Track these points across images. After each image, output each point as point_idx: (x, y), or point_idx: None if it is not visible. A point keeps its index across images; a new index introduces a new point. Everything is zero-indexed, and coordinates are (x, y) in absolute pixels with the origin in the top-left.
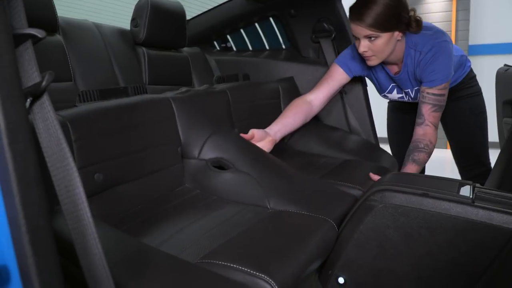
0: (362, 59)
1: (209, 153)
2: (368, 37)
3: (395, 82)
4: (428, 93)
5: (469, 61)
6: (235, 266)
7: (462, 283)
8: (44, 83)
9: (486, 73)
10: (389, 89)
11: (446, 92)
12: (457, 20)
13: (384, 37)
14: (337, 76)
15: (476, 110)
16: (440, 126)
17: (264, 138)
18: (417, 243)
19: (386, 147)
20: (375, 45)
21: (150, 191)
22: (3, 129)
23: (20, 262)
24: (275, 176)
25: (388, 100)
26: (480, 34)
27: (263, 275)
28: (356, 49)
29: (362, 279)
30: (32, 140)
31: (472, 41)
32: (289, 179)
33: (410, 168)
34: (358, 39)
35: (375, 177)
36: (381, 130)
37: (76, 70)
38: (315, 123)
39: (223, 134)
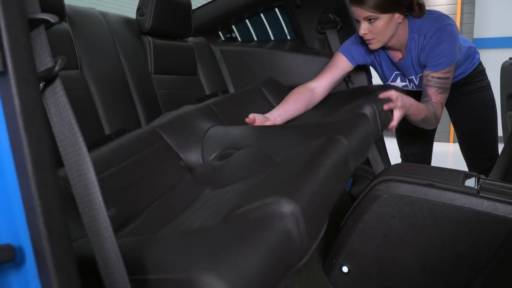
0: (365, 47)
1: (211, 153)
2: (368, 19)
3: (398, 70)
4: (433, 77)
5: (478, 53)
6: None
7: (466, 273)
8: (57, 68)
9: (490, 66)
10: (392, 77)
11: (451, 75)
12: (462, 13)
13: (384, 19)
14: (340, 65)
15: (487, 104)
16: (443, 119)
17: (264, 123)
18: (422, 233)
19: (388, 140)
20: (375, 27)
21: (169, 211)
22: (18, 112)
23: (35, 243)
24: (279, 131)
25: None
26: (485, 28)
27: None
28: (359, 38)
29: (366, 268)
30: (47, 124)
31: (476, 35)
32: (294, 130)
33: (419, 104)
34: (359, 22)
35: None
36: None
37: (83, 58)
38: (316, 112)
39: (215, 131)
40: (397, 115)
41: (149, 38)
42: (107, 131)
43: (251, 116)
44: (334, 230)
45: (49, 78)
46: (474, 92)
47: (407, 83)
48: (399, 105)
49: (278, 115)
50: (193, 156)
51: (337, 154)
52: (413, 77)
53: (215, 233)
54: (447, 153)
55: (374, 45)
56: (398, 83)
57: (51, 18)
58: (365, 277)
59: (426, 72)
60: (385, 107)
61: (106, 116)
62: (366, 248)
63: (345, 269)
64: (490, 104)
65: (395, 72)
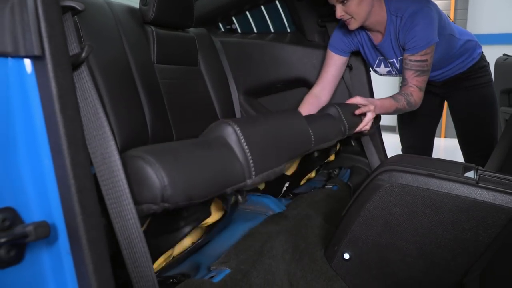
0: (347, 34)
1: None
2: (341, 2)
3: (382, 55)
4: (410, 60)
5: (480, 47)
6: None
7: (464, 259)
8: (84, 54)
9: None
10: (376, 62)
11: (428, 57)
12: (455, 9)
13: None
14: (333, 61)
15: (487, 101)
16: (446, 115)
17: None
18: (422, 221)
19: (387, 136)
20: (349, 7)
21: None
22: (55, 95)
23: (68, 220)
24: None
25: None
26: (478, 24)
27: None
28: (341, 27)
29: (366, 255)
30: (78, 107)
31: (470, 31)
32: None
33: (387, 100)
34: (334, 6)
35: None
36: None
37: (91, 53)
38: None
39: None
40: (368, 117)
41: (152, 27)
42: (112, 119)
43: None
44: (336, 218)
45: (75, 64)
46: (473, 89)
47: (390, 68)
48: (371, 108)
49: None
50: None
51: (291, 115)
52: (394, 60)
53: (169, 143)
54: (438, 148)
55: (352, 25)
56: (383, 69)
57: (78, 5)
58: (366, 264)
59: (404, 55)
60: (357, 112)
61: (111, 104)
62: (367, 236)
63: (346, 256)
64: (490, 101)
65: (379, 58)
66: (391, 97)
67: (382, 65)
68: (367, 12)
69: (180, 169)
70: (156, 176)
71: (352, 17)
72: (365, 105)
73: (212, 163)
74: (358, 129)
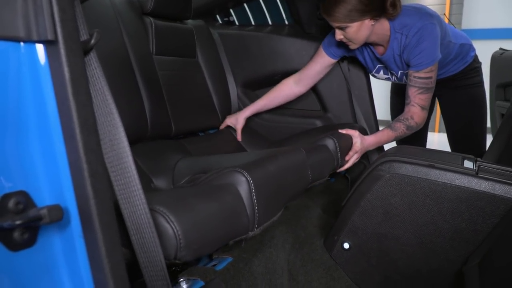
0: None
1: (181, 179)
2: (340, 28)
3: (381, 63)
4: (414, 76)
5: (473, 50)
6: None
7: (463, 248)
8: (93, 41)
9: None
10: (376, 69)
11: (433, 74)
12: (451, 4)
13: (354, 26)
14: (321, 60)
15: (475, 102)
16: (439, 110)
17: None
18: (421, 210)
19: None
20: (348, 33)
21: None
22: (67, 80)
23: (81, 204)
24: (247, 154)
25: (391, 82)
26: (473, 19)
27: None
28: None
29: (366, 244)
30: (89, 92)
31: (465, 26)
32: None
33: (384, 132)
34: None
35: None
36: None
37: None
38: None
39: (186, 160)
40: (353, 159)
41: (151, 19)
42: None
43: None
44: (334, 209)
45: (85, 50)
46: (463, 89)
47: (390, 76)
48: (357, 152)
49: (248, 109)
50: (163, 182)
51: (295, 156)
52: (394, 72)
53: (182, 190)
54: (432, 143)
55: (352, 46)
56: (382, 75)
57: None
58: (366, 253)
59: (409, 72)
60: (346, 158)
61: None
62: (367, 226)
63: (346, 245)
64: (479, 102)
65: (378, 65)
66: (389, 126)
67: (382, 72)
68: (366, 36)
69: (195, 228)
70: (174, 236)
71: (351, 41)
72: (354, 145)
73: (224, 219)
74: (343, 168)
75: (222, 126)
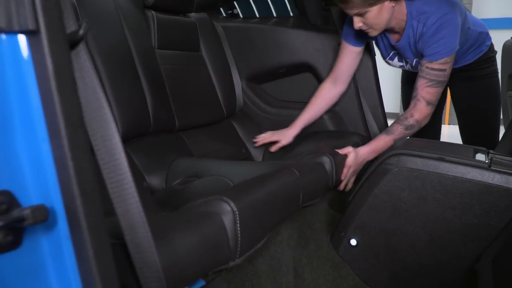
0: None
1: (175, 179)
2: (358, 14)
3: (396, 50)
4: (427, 67)
5: (489, 39)
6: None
7: (475, 245)
8: (81, 32)
9: None
10: (390, 56)
11: (448, 66)
12: None
13: (373, 11)
14: (348, 52)
15: (489, 92)
16: (450, 101)
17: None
18: (431, 205)
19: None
20: (368, 19)
21: None
22: (51, 72)
23: (68, 204)
24: (240, 165)
25: (401, 70)
26: (484, 8)
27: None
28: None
29: (374, 240)
30: (76, 86)
31: (475, 15)
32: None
33: (381, 138)
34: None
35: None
36: (390, 105)
37: (88, 31)
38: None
39: (181, 161)
40: (348, 176)
41: (153, 12)
42: (113, 106)
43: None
44: (340, 205)
45: (73, 42)
46: (476, 80)
47: (404, 63)
48: (351, 167)
49: (295, 127)
50: (156, 180)
51: (286, 179)
52: (409, 60)
53: (164, 219)
54: (442, 135)
55: (372, 33)
56: (396, 62)
57: None
58: (373, 250)
59: (422, 61)
60: (342, 176)
61: (112, 91)
62: (374, 221)
63: (353, 242)
64: (494, 93)
65: (393, 52)
66: (385, 131)
67: (396, 59)
68: (387, 20)
69: (175, 264)
70: (159, 269)
71: (371, 28)
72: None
73: (205, 252)
74: (339, 187)
75: (260, 143)
